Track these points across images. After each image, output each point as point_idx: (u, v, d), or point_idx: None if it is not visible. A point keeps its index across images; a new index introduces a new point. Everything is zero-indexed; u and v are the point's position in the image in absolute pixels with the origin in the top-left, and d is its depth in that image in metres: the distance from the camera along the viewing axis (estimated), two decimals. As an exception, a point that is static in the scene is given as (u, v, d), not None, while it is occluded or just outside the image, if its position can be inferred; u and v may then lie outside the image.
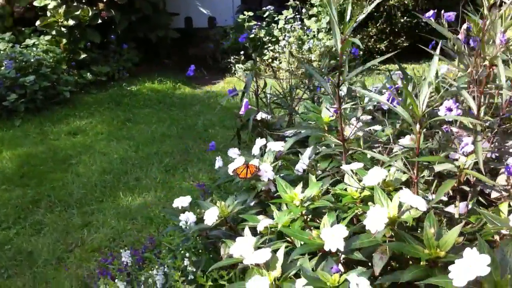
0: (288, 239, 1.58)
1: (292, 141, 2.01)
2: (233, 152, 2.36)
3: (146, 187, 3.77)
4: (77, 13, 6.07)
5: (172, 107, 5.60)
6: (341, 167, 1.62)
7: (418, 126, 1.33)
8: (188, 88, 6.28)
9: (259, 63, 6.55)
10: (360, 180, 1.48)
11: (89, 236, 3.15)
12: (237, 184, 2.43)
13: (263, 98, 2.64)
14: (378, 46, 6.65)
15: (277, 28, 6.65)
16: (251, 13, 6.81)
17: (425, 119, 1.33)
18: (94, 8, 6.21)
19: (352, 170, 1.56)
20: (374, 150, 1.76)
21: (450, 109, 1.41)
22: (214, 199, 2.14)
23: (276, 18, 6.80)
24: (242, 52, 6.41)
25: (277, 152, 1.93)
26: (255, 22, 6.77)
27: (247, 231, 1.55)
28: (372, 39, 6.66)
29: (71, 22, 6.04)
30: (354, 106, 1.68)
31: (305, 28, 6.53)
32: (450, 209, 1.50)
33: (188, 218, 1.88)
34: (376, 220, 1.24)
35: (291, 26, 6.46)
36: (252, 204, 1.78)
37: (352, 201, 1.43)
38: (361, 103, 1.91)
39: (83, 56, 6.13)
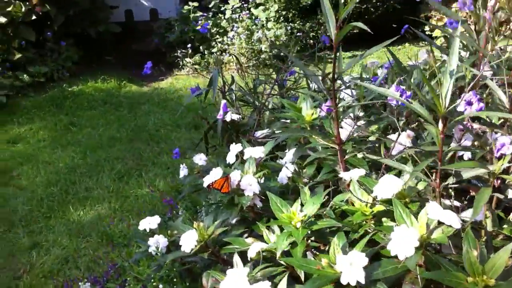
0: (284, 263, 1.34)
1: (272, 145, 1.76)
2: (199, 158, 2.09)
3: (98, 198, 3.45)
4: (9, 9, 5.61)
5: (119, 108, 5.25)
6: (339, 174, 1.37)
7: (441, 125, 1.10)
8: (135, 86, 5.93)
9: (207, 56, 6.27)
10: (367, 191, 1.25)
11: (38, 258, 2.82)
12: (208, 196, 2.17)
13: (227, 96, 2.37)
14: (328, 34, 6.46)
15: (224, 18, 6.37)
16: (196, 4, 6.50)
17: (448, 116, 1.10)
18: (27, 3, 5.76)
19: (353, 179, 1.32)
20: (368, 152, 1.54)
21: (470, 103, 1.19)
22: (185, 216, 1.87)
23: (223, 8, 6.52)
24: (189, 45, 6.12)
25: (256, 159, 1.68)
26: (201, 13, 6.46)
27: (237, 259, 1.29)
28: (322, 27, 6.47)
29: (2, 20, 5.57)
30: (352, 104, 1.44)
31: (253, 17, 6.28)
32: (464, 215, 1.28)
33: (158, 242, 1.61)
34: (404, 243, 1.01)
35: (239, 16, 6.19)
36: (233, 221, 1.52)
37: (363, 218, 1.19)
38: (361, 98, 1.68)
39: (18, 56, 5.66)
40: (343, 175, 1.36)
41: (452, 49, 1.12)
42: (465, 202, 1.23)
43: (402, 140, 1.53)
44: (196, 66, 6.16)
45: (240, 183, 1.46)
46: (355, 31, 6.69)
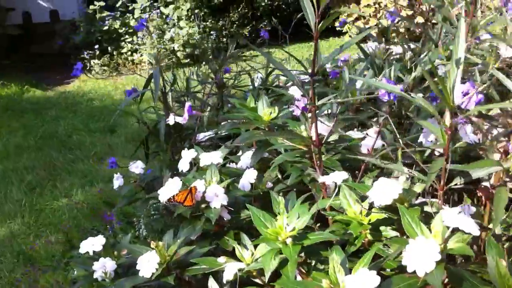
0: (259, 281, 1.18)
1: (228, 149, 1.60)
2: (136, 166, 1.89)
3: (8, 214, 3.11)
4: None
5: (24, 114, 4.86)
6: (319, 179, 1.23)
7: (449, 120, 0.99)
8: (39, 90, 5.52)
9: (116, 57, 5.97)
10: (362, 198, 1.11)
11: None
12: (150, 206, 1.98)
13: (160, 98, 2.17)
14: (241, 31, 6.35)
15: (133, 18, 6.09)
16: (102, 3, 6.16)
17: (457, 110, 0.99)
18: None
19: (337, 183, 1.19)
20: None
21: (466, 94, 1.09)
22: (131, 233, 1.67)
23: (131, 8, 6.23)
24: (96, 46, 5.81)
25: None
26: (108, 13, 6.14)
27: (213, 284, 1.11)
28: (234, 25, 6.35)
29: None
30: (334, 100, 1.28)
31: (165, 16, 6.05)
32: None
33: (105, 266, 1.39)
34: (423, 256, 0.88)
35: (149, 15, 5.94)
36: (194, 237, 1.34)
37: (360, 228, 1.06)
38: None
39: None
40: (324, 179, 1.22)
41: (458, 33, 1.00)
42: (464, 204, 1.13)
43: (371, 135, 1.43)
44: (105, 68, 5.84)
45: (205, 194, 1.29)
46: (267, 28, 6.65)
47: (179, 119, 1.79)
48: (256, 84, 2.18)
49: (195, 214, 1.36)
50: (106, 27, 5.93)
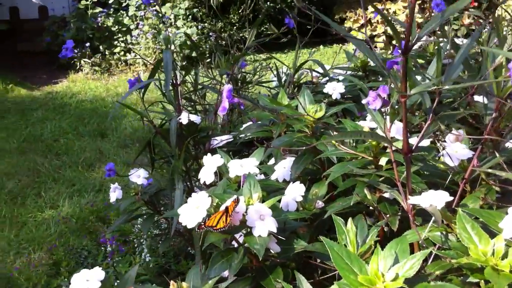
0: None
1: (262, 154, 1.26)
2: (138, 175, 1.55)
3: (-15, 225, 2.74)
4: None
5: (7, 114, 4.47)
6: (409, 200, 0.88)
7: None
8: (24, 90, 5.13)
9: (108, 57, 5.60)
10: (486, 229, 0.76)
11: None
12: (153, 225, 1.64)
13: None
14: (241, 34, 6.00)
15: (127, 15, 5.72)
16: (94, -2, 5.80)
17: None
18: None
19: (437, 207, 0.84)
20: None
21: None
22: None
23: (124, 4, 5.86)
24: (87, 45, 5.44)
25: (241, 176, 1.16)
26: (101, 9, 5.77)
27: None
28: (235, 27, 6.01)
29: None
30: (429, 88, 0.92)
31: (160, 15, 5.69)
32: None
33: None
34: None
35: (144, 13, 5.58)
36: (231, 277, 0.98)
37: (498, 278, 0.71)
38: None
39: None
40: (415, 201, 0.87)
41: None
42: None
43: (455, 144, 1.09)
44: (96, 68, 5.47)
45: (246, 216, 0.92)
46: (269, 32, 6.31)
47: (194, 118, 1.43)
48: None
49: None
50: (98, 24, 5.56)
